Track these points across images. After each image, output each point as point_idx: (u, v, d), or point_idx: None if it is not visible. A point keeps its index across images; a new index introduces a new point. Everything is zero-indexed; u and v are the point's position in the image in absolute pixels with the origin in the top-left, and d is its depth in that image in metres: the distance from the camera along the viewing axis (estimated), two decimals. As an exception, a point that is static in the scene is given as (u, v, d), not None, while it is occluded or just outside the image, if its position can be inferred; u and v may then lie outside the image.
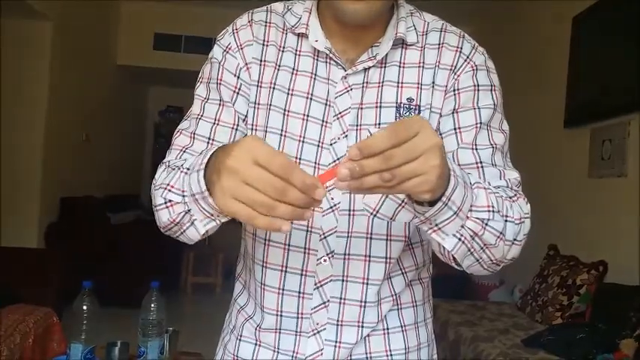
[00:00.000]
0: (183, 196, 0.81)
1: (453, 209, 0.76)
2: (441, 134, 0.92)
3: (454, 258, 0.82)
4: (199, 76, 0.99)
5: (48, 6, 4.53)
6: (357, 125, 0.91)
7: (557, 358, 2.57)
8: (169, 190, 0.84)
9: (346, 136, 0.91)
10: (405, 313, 0.98)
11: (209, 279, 6.24)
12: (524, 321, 3.33)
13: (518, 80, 4.76)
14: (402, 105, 0.92)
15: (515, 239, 0.84)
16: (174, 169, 0.87)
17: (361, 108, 0.91)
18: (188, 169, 0.81)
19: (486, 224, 0.79)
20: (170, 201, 0.83)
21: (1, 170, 4.39)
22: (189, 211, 0.81)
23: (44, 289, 3.57)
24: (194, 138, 0.94)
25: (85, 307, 1.68)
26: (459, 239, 0.79)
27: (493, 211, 0.80)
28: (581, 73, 3.66)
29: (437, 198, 0.73)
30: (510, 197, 0.87)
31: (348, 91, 0.92)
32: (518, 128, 4.77)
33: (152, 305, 1.78)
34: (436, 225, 0.78)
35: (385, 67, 0.93)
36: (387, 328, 0.97)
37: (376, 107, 0.92)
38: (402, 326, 0.98)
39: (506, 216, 0.82)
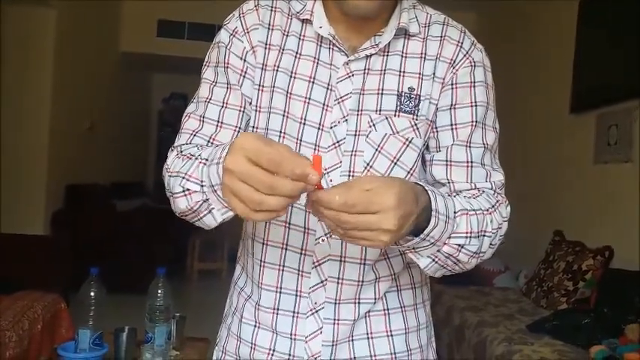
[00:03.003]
0: (202, 185, 0.83)
1: (430, 241, 0.81)
2: (436, 128, 0.95)
3: None
4: (205, 60, 1.01)
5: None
6: (357, 110, 0.93)
7: (562, 344, 2.58)
8: (187, 180, 0.85)
9: (346, 120, 0.93)
10: (404, 295, 1.01)
11: (215, 265, 6.27)
12: (529, 306, 3.34)
13: (524, 66, 4.73)
14: (402, 93, 0.94)
15: (490, 245, 0.89)
16: (190, 158, 0.88)
17: (362, 94, 0.93)
18: (207, 159, 0.83)
19: (462, 247, 0.85)
20: (188, 190, 0.85)
21: (7, 158, 4.40)
22: (207, 200, 0.83)
23: (52, 276, 3.60)
24: (203, 121, 0.96)
25: (92, 294, 1.69)
26: (433, 260, 0.85)
27: (471, 237, 0.85)
28: (587, 58, 3.63)
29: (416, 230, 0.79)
30: (492, 206, 0.91)
31: (349, 76, 0.94)
32: (525, 114, 4.80)
33: (159, 291, 1.79)
34: (413, 249, 0.83)
35: (388, 55, 0.95)
36: (387, 309, 0.99)
37: (378, 94, 0.93)
38: (401, 307, 1.01)
39: (484, 231, 0.87)
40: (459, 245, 0.84)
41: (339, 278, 0.95)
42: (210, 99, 0.96)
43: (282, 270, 0.97)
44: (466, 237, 0.84)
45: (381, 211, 0.70)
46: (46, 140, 4.69)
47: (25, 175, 4.56)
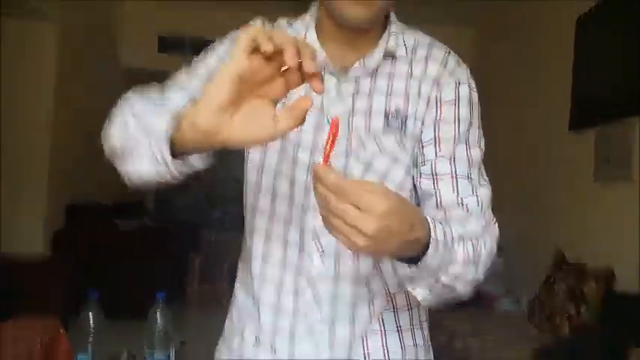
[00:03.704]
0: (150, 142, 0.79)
1: (427, 271, 0.81)
2: (422, 143, 0.98)
3: None
4: (205, 54, 1.06)
5: (52, 8, 4.51)
6: (348, 130, 0.98)
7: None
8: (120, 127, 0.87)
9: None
10: (401, 316, 1.03)
11: (216, 287, 6.24)
12: (531, 330, 3.32)
13: (523, 83, 4.75)
14: (390, 113, 0.98)
15: (483, 270, 0.90)
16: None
17: (352, 114, 0.98)
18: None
19: (459, 277, 0.85)
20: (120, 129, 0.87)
21: (7, 177, 4.39)
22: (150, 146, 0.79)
23: (50, 298, 3.57)
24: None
25: (91, 319, 1.68)
26: (430, 291, 0.85)
27: (467, 264, 0.85)
28: (585, 75, 3.64)
29: (413, 261, 0.79)
30: (483, 227, 0.91)
31: (340, 98, 0.99)
32: (523, 131, 4.80)
33: (158, 317, 1.77)
34: (410, 278, 0.83)
35: (375, 77, 1.00)
36: (384, 329, 1.01)
37: (366, 114, 0.98)
38: (398, 328, 1.02)
39: (479, 257, 0.88)
40: (456, 275, 0.84)
41: (333, 296, 0.98)
42: (184, 81, 1.03)
43: (280, 286, 1.00)
44: (463, 264, 0.85)
45: (366, 211, 0.67)
46: (47, 158, 4.67)
47: (26, 193, 4.54)
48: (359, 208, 0.67)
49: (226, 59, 0.96)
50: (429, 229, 0.78)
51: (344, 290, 0.98)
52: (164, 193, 7.87)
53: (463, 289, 0.87)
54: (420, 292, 0.85)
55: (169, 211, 7.21)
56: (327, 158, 0.71)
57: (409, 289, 0.85)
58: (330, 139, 0.71)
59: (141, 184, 0.86)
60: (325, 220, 0.71)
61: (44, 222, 4.70)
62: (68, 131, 5.00)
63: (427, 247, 0.78)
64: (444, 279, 0.83)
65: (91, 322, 1.68)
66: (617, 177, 3.24)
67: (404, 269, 0.81)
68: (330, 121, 0.71)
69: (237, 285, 1.11)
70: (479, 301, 4.21)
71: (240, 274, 1.10)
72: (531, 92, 4.56)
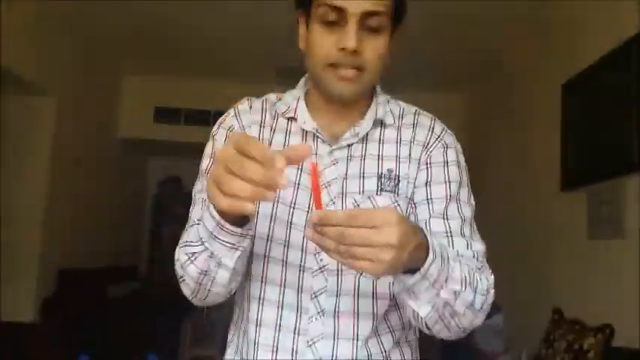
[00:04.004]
0: (203, 242, 0.87)
1: (429, 280, 0.83)
2: (414, 203, 1.03)
3: (426, 323, 0.90)
4: (204, 153, 1.09)
5: (50, 82, 4.64)
6: (342, 193, 1.01)
7: None
8: (189, 246, 0.90)
9: (334, 202, 1.01)
10: None
11: (208, 351, 6.09)
12: (533, 389, 3.24)
13: (514, 146, 4.84)
14: (383, 175, 1.03)
15: (481, 308, 0.92)
16: (187, 230, 0.96)
17: (346, 178, 1.02)
18: (199, 219, 0.88)
19: (458, 295, 0.87)
20: (193, 253, 0.89)
21: (2, 242, 4.37)
22: (212, 254, 0.86)
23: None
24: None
25: (82, 383, 1.64)
26: (432, 307, 0.87)
27: (465, 284, 0.88)
28: (574, 138, 3.72)
29: (416, 269, 0.81)
30: (479, 269, 0.95)
31: (334, 163, 1.03)
32: (517, 192, 4.85)
33: (150, 379, 1.74)
34: (413, 292, 0.85)
35: (367, 143, 1.05)
36: None
37: (360, 177, 1.02)
38: None
39: (476, 288, 0.90)
40: (455, 292, 0.86)
41: (333, 357, 0.97)
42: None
43: (276, 351, 0.98)
44: (461, 283, 0.87)
45: (383, 225, 0.72)
46: (40, 225, 4.66)
47: (17, 260, 4.50)
48: (374, 227, 0.72)
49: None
50: (427, 238, 0.83)
51: (343, 352, 0.97)
52: (158, 258, 7.81)
53: (463, 312, 0.89)
54: (425, 309, 0.87)
55: (163, 276, 7.13)
56: (318, 202, 0.73)
57: (413, 305, 0.87)
58: (315, 185, 0.75)
59: (229, 288, 0.93)
60: (345, 257, 0.74)
61: (37, 288, 4.63)
62: (64, 198, 5.02)
63: (427, 254, 0.82)
64: (443, 294, 0.85)
65: (82, 386, 1.64)
66: (611, 235, 3.26)
67: (408, 279, 0.82)
68: (310, 169, 0.74)
69: (229, 348, 1.09)
70: (480, 359, 4.13)
71: (233, 338, 1.09)
72: (523, 155, 4.65)
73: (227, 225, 0.81)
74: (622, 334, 2.97)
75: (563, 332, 3.33)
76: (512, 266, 4.47)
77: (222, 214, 0.80)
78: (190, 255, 0.89)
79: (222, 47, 5.23)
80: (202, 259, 0.88)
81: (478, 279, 0.91)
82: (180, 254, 0.92)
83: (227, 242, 0.84)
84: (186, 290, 0.95)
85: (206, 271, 0.88)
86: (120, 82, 6.40)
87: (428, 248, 0.82)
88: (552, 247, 4.00)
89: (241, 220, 0.83)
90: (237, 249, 0.86)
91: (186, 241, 0.91)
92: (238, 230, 0.83)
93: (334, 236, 0.73)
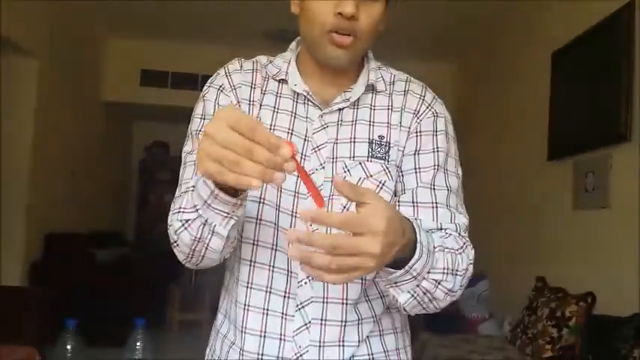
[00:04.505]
0: (197, 210, 0.86)
1: (412, 274, 0.84)
2: (402, 172, 1.02)
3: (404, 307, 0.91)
4: (193, 114, 1.06)
5: (35, 43, 4.55)
6: (333, 158, 1.01)
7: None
8: (183, 212, 0.89)
9: (323, 167, 1.00)
10: (387, 339, 1.04)
11: (196, 315, 6.15)
12: (515, 354, 3.31)
13: (503, 115, 4.84)
14: (373, 141, 1.02)
15: (460, 287, 0.93)
16: (180, 196, 0.94)
17: (336, 143, 1.01)
18: (194, 186, 0.87)
19: (439, 283, 0.88)
20: (187, 220, 0.88)
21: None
22: (205, 221, 0.86)
23: (27, 328, 3.50)
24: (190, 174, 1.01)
25: (69, 347, 1.65)
26: (412, 295, 0.88)
27: (447, 273, 0.89)
28: (562, 107, 3.73)
29: (399, 260, 0.81)
30: (461, 247, 0.95)
31: (324, 127, 1.02)
32: (504, 162, 4.88)
33: (138, 344, 1.75)
34: (395, 283, 0.86)
35: (358, 108, 1.05)
36: (372, 354, 1.02)
37: (350, 142, 1.02)
38: (385, 352, 1.04)
39: (457, 270, 0.91)
40: (437, 281, 0.88)
41: (322, 319, 0.98)
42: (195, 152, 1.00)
43: (266, 314, 0.99)
44: (443, 273, 0.88)
45: (369, 233, 0.71)
46: (26, 188, 4.63)
47: (4, 224, 4.48)
48: (362, 234, 0.71)
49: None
50: (415, 232, 0.83)
51: (333, 314, 0.98)
52: (144, 224, 7.81)
53: (442, 298, 0.90)
54: (404, 296, 0.87)
55: (149, 241, 7.13)
56: (317, 197, 0.73)
57: (393, 292, 0.87)
58: (303, 177, 0.74)
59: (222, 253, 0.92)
60: (336, 272, 0.72)
61: (24, 252, 4.63)
62: (49, 164, 4.97)
63: (413, 250, 0.82)
64: (424, 284, 0.87)
65: (69, 350, 1.65)
66: (595, 205, 3.29)
67: (389, 274, 0.83)
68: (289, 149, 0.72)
69: (219, 313, 1.10)
70: (463, 325, 4.21)
71: (223, 303, 1.09)
72: (512, 124, 4.65)
73: (222, 194, 0.81)
74: (603, 302, 3.03)
75: (546, 300, 3.39)
76: (497, 235, 4.52)
77: (217, 183, 0.80)
78: (184, 222, 0.88)
79: (210, 10, 5.14)
80: (196, 227, 0.87)
81: (460, 260, 0.92)
82: (174, 220, 0.91)
83: (222, 211, 0.84)
84: (180, 255, 0.95)
85: (200, 238, 0.88)
86: (105, 45, 6.29)
87: (415, 243, 0.82)
88: (538, 217, 4.04)
89: (235, 190, 0.82)
90: (231, 217, 0.85)
91: (180, 208, 0.90)
92: (233, 200, 0.82)
93: (327, 245, 0.70)
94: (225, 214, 0.85)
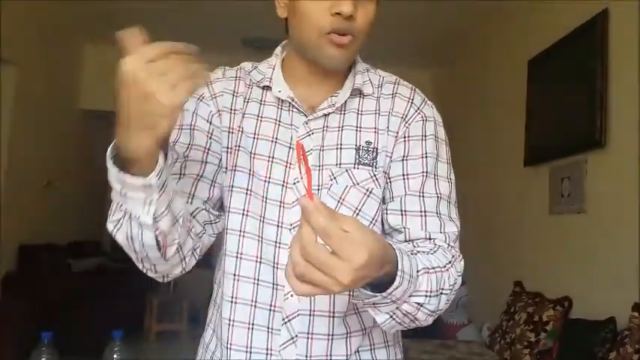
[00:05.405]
0: (120, 206, 0.83)
1: (392, 299, 0.79)
2: (390, 178, 0.98)
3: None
4: None
5: (11, 51, 4.48)
6: (318, 165, 0.97)
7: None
8: (112, 214, 0.87)
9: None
10: (378, 353, 1.00)
11: (174, 326, 6.08)
12: (494, 358, 3.33)
13: (480, 121, 4.89)
14: (361, 147, 0.99)
15: (446, 303, 0.89)
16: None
17: (322, 149, 0.98)
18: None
19: (421, 306, 0.84)
20: (118, 220, 0.85)
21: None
22: (130, 216, 0.82)
23: (1, 341, 3.42)
24: None
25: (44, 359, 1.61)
26: (391, 316, 0.83)
27: (430, 296, 0.84)
28: (538, 114, 3.77)
29: (378, 290, 0.77)
30: (449, 262, 0.91)
31: (309, 134, 0.99)
32: (481, 168, 4.91)
33: (115, 356, 1.72)
34: (373, 304, 0.81)
35: (344, 113, 1.01)
36: None
37: (337, 149, 0.98)
38: None
39: (442, 289, 0.87)
40: (419, 304, 0.83)
41: (309, 333, 0.94)
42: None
43: (252, 329, 0.95)
44: (426, 296, 0.84)
45: (345, 261, 0.66)
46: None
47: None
48: (338, 256, 0.66)
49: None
50: (397, 260, 0.77)
51: (320, 328, 0.95)
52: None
53: (424, 319, 0.86)
54: (381, 317, 0.83)
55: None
56: (309, 190, 0.70)
57: (371, 312, 0.84)
58: (305, 170, 0.70)
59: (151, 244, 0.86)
60: (303, 276, 0.68)
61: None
62: (24, 173, 4.88)
63: (393, 277, 0.77)
64: (405, 306, 0.82)
65: (44, 363, 1.61)
66: (571, 210, 3.33)
67: (366, 297, 0.79)
68: (296, 143, 0.71)
69: (209, 327, 1.07)
70: (443, 330, 4.22)
71: (212, 317, 1.06)
72: (489, 130, 4.70)
73: (127, 177, 0.78)
74: (582, 306, 3.06)
75: (523, 304, 3.42)
76: (475, 240, 4.56)
77: (125, 165, 0.79)
78: (115, 222, 0.85)
79: (188, 17, 5.12)
80: (125, 224, 0.84)
81: (446, 278, 0.88)
82: (109, 226, 0.88)
83: (138, 198, 0.80)
84: (137, 263, 0.91)
85: (132, 236, 0.85)
86: (81, 53, 6.21)
87: (397, 268, 0.77)
88: (515, 222, 4.08)
89: (147, 172, 0.79)
90: (150, 203, 0.80)
91: (110, 212, 0.87)
92: (140, 180, 0.78)
93: (320, 229, 0.66)
94: (143, 200, 0.80)
